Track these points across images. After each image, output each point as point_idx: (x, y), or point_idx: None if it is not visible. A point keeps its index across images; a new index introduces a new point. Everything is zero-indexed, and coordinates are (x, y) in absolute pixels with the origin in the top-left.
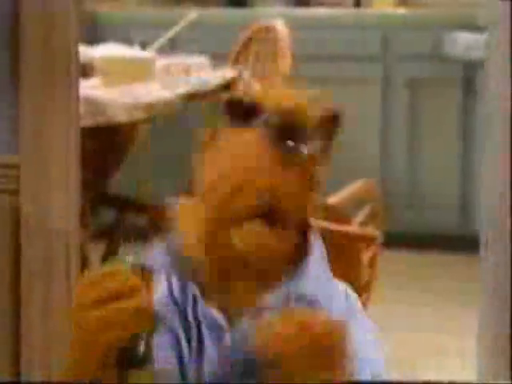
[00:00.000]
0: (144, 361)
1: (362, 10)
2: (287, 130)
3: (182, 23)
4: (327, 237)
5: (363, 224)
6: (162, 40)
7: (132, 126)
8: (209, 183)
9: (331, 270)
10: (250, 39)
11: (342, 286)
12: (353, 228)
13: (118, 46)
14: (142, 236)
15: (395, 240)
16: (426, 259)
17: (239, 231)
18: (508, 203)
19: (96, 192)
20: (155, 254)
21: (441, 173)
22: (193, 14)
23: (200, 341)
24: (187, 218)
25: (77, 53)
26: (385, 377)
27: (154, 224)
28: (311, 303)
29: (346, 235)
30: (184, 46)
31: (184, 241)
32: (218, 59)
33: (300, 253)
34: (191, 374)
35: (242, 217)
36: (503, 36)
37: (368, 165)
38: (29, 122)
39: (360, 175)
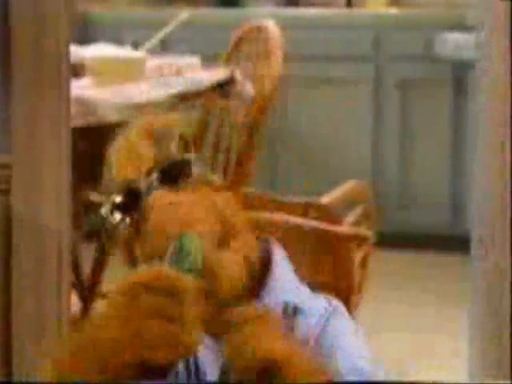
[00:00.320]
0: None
1: (353, 10)
2: None
3: (174, 23)
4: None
5: (355, 224)
6: (154, 40)
7: (124, 126)
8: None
9: (322, 270)
10: (241, 39)
11: (317, 291)
12: (345, 228)
13: (109, 46)
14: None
15: (387, 240)
16: (417, 259)
17: None
18: (499, 202)
19: (88, 192)
20: None
21: (432, 173)
22: (184, 14)
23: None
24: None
25: (68, 53)
26: (379, 376)
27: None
28: (292, 311)
29: (338, 235)
30: (175, 46)
31: None
32: (209, 59)
33: (261, 268)
34: None
35: None
36: (495, 36)
37: (360, 165)
38: (20, 122)
39: (352, 175)
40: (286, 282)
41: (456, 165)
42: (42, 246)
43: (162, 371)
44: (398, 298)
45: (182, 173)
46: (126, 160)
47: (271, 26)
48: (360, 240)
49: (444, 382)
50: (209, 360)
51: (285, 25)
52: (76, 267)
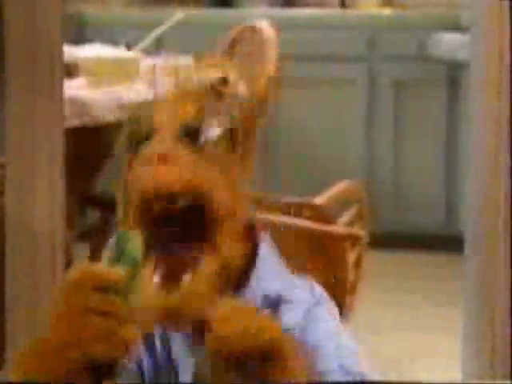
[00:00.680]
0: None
1: (347, 11)
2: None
3: (168, 23)
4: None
5: (349, 224)
6: (148, 40)
7: (117, 127)
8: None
9: (316, 270)
10: (235, 40)
11: (304, 280)
12: (338, 228)
13: (103, 46)
14: None
15: (381, 240)
16: (411, 259)
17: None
18: (493, 202)
19: (82, 192)
20: None
21: (426, 173)
22: (179, 14)
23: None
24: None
25: (61, 53)
26: (365, 374)
27: None
28: (274, 301)
29: (332, 235)
30: (170, 46)
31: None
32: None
33: (248, 257)
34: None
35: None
36: (488, 36)
37: (353, 165)
38: (14, 123)
39: (345, 175)
40: (268, 274)
41: (450, 165)
42: (36, 246)
43: (110, 370)
44: (392, 299)
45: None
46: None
47: (265, 26)
48: (354, 240)
49: (441, 381)
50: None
51: (279, 25)
52: (69, 267)
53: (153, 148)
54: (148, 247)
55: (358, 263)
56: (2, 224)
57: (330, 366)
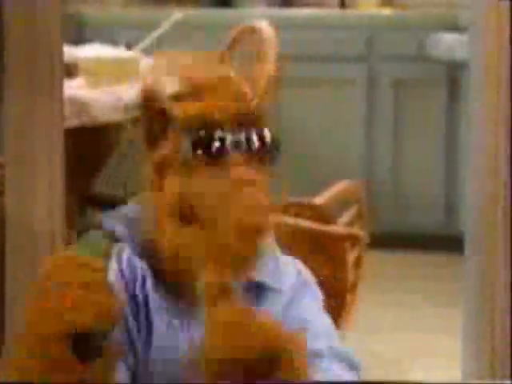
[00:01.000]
0: (100, 354)
1: (346, 11)
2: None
3: (168, 24)
4: (312, 237)
5: (349, 224)
6: (147, 40)
7: (117, 126)
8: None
9: (316, 270)
10: (234, 40)
11: (292, 262)
12: (338, 228)
13: (103, 46)
14: None
15: (381, 240)
16: (411, 259)
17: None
18: (492, 202)
19: (82, 192)
20: (114, 222)
21: (426, 173)
22: (178, 14)
23: (148, 320)
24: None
25: (61, 53)
26: (351, 354)
27: None
28: (261, 287)
29: (332, 235)
30: (169, 46)
31: (144, 216)
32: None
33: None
34: (141, 351)
35: None
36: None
37: (353, 165)
38: (14, 123)
39: (345, 175)
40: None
41: (449, 165)
42: (36, 247)
43: (96, 345)
44: (391, 299)
45: None
46: None
47: (265, 26)
48: (354, 240)
49: (441, 381)
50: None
51: (278, 25)
52: None
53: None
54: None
55: (357, 263)
56: (1, 224)
57: (318, 345)
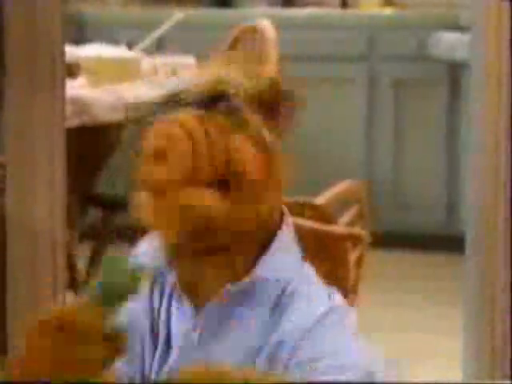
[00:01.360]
0: None
1: (347, 11)
2: (216, 98)
3: (169, 23)
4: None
5: (350, 224)
6: (148, 40)
7: (118, 126)
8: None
9: (318, 270)
10: (236, 39)
11: (323, 284)
12: (339, 228)
13: (104, 46)
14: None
15: (381, 240)
16: (411, 259)
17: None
18: (493, 202)
19: (83, 192)
20: (142, 250)
21: (426, 173)
22: (179, 14)
23: (168, 343)
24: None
25: (62, 53)
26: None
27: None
28: (285, 290)
29: (333, 235)
30: (170, 45)
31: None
32: (204, 59)
33: (267, 233)
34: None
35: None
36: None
37: (354, 165)
38: (15, 122)
39: (346, 175)
40: (283, 262)
41: (450, 165)
42: (37, 246)
43: None
44: (392, 299)
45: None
46: None
47: (267, 26)
48: (355, 240)
49: (441, 381)
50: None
51: (279, 25)
52: (71, 267)
53: None
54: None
55: (359, 263)
56: (2, 223)
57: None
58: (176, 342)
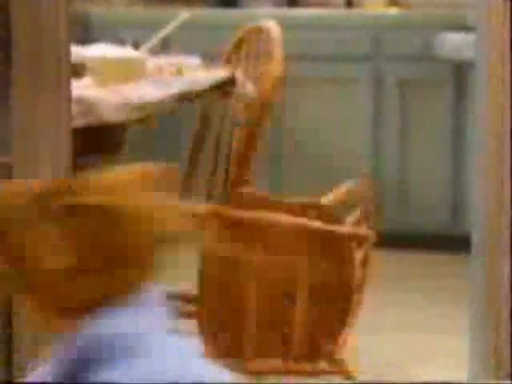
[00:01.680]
0: None
1: (352, 11)
2: None
3: (174, 23)
4: (319, 237)
5: (355, 224)
6: (154, 40)
7: (122, 126)
8: None
9: (323, 270)
10: (241, 39)
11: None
12: (345, 228)
13: (109, 46)
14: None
15: (387, 240)
16: (416, 259)
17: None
18: (498, 203)
19: None
20: None
21: (432, 172)
22: (185, 14)
23: None
24: None
25: (68, 53)
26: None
27: None
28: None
29: (339, 235)
30: (176, 45)
31: None
32: (209, 59)
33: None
34: None
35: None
36: (493, 36)
37: (359, 165)
38: (21, 123)
39: (351, 175)
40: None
41: (456, 165)
42: None
43: None
44: (396, 299)
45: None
46: None
47: (272, 26)
48: (360, 240)
49: (443, 381)
50: None
51: (284, 25)
52: None
53: None
54: None
55: (364, 262)
56: None
57: None
58: None
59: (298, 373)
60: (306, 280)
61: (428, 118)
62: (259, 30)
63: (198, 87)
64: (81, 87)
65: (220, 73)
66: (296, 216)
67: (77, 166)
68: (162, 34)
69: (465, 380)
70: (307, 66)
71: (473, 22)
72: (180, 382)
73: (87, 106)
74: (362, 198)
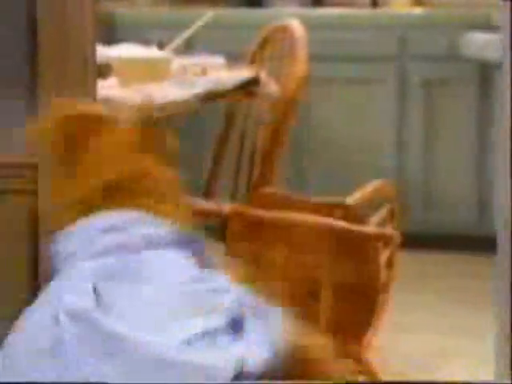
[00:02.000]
0: None
1: (378, 10)
2: None
3: (199, 23)
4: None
5: (381, 224)
6: (179, 40)
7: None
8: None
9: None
10: (266, 39)
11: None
12: (370, 228)
13: (134, 46)
14: None
15: (412, 240)
16: (442, 259)
17: None
18: None
19: None
20: None
21: (457, 172)
22: (209, 14)
23: None
24: None
25: (94, 53)
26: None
27: None
28: None
29: (364, 235)
30: (200, 45)
31: None
32: (234, 59)
33: None
34: None
35: None
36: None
37: (384, 165)
38: None
39: (376, 175)
40: None
41: (481, 164)
42: None
43: None
44: (422, 299)
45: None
46: None
47: (296, 25)
48: (386, 240)
49: (469, 381)
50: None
51: (309, 25)
52: None
53: None
54: None
55: (390, 263)
56: (34, 224)
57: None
58: None
59: None
60: (330, 279)
61: (452, 118)
62: (283, 30)
63: (221, 87)
64: (106, 87)
65: (244, 73)
66: (321, 215)
67: None
68: (186, 34)
69: (491, 380)
70: (332, 66)
71: (498, 22)
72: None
73: (112, 105)
74: (387, 198)
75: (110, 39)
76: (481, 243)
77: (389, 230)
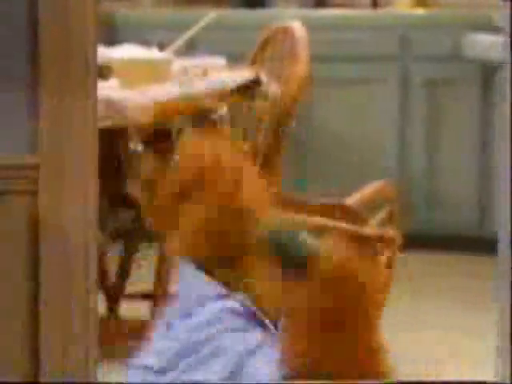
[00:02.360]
0: None
1: (380, 11)
2: None
3: (200, 24)
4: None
5: (381, 225)
6: (180, 41)
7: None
8: None
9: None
10: (267, 40)
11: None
12: (371, 229)
13: (135, 47)
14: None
15: (414, 241)
16: (444, 260)
17: None
18: None
19: (113, 192)
20: None
21: (459, 173)
22: (210, 15)
23: None
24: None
25: (95, 54)
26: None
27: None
28: None
29: (364, 236)
30: (202, 46)
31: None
32: (235, 60)
33: None
34: None
35: None
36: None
37: (386, 165)
38: (48, 124)
39: (378, 176)
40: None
41: (483, 165)
42: (69, 247)
43: None
44: (424, 299)
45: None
46: None
47: (297, 26)
48: (386, 241)
49: (470, 381)
50: None
51: (310, 26)
52: (102, 268)
53: None
54: None
55: (390, 263)
56: (35, 225)
57: None
58: None
59: None
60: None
61: (455, 119)
62: (284, 31)
63: (222, 88)
64: (107, 88)
65: (245, 74)
66: (321, 216)
67: None
68: (187, 35)
69: (492, 380)
70: (334, 66)
71: (500, 23)
72: None
73: (114, 107)
74: (388, 199)
75: (111, 40)
76: (483, 243)
77: (389, 230)
